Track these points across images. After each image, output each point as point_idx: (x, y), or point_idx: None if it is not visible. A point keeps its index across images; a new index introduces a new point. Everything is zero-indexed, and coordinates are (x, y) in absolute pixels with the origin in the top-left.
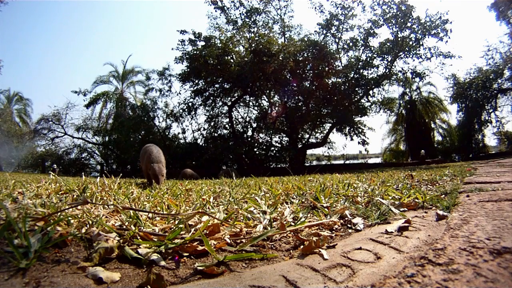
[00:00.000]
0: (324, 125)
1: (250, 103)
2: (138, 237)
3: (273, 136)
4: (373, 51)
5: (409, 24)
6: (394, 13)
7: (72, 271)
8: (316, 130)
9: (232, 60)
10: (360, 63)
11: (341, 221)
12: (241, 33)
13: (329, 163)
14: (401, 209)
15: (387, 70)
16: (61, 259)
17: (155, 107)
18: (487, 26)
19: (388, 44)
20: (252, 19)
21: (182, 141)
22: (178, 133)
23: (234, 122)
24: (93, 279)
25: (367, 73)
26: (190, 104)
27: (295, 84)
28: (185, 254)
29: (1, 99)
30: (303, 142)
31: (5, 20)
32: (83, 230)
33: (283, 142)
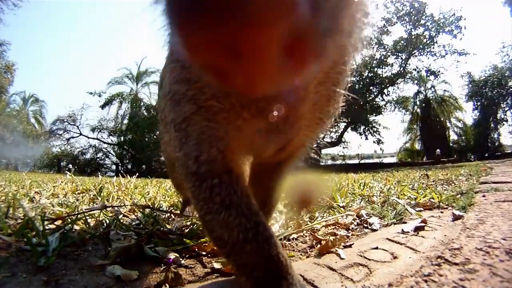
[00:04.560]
0: (338, 124)
1: None
2: (156, 236)
3: None
4: (387, 49)
5: (422, 22)
6: (407, 11)
7: (90, 269)
8: (331, 129)
9: None
10: (375, 62)
11: (357, 220)
12: None
13: (344, 162)
14: (417, 209)
15: (402, 68)
16: (79, 257)
17: None
18: (502, 23)
19: (402, 42)
20: None
21: None
22: None
23: None
24: (111, 277)
25: (382, 71)
26: None
27: None
28: (203, 253)
29: (17, 101)
30: (318, 141)
31: (19, 23)
32: (101, 229)
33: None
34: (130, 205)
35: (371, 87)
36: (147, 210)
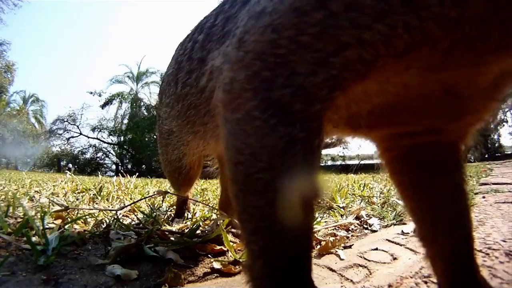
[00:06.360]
0: None
1: None
2: (156, 236)
3: None
4: None
5: None
6: None
7: (90, 268)
8: None
9: None
10: None
11: (357, 221)
12: None
13: (344, 163)
14: None
15: None
16: (79, 257)
17: None
18: None
19: None
20: None
21: None
22: None
23: None
24: (111, 276)
25: None
26: None
27: None
28: (203, 253)
29: (17, 100)
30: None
31: (19, 23)
32: (101, 229)
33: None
34: (156, 193)
35: None
36: (147, 209)
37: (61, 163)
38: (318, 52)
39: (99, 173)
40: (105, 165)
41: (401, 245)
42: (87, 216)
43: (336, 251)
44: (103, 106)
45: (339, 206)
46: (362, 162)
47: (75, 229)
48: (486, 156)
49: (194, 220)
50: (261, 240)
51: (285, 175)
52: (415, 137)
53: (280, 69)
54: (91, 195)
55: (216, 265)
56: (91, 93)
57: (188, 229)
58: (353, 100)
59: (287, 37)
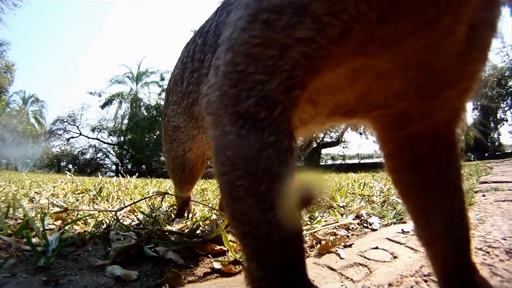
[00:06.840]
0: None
1: None
2: (156, 236)
3: None
4: None
5: None
6: None
7: (90, 269)
8: (331, 129)
9: None
10: None
11: (357, 220)
12: None
13: (344, 162)
14: None
15: None
16: (79, 257)
17: None
18: (502, 23)
19: None
20: None
21: None
22: None
23: None
24: (111, 277)
25: None
26: None
27: None
28: (203, 253)
29: (17, 100)
30: (318, 141)
31: (19, 23)
32: (101, 230)
33: (297, 141)
34: (155, 193)
35: None
36: (147, 210)
37: (61, 163)
38: (268, 59)
39: (99, 173)
40: (105, 166)
41: (401, 243)
42: (87, 217)
43: (336, 250)
44: (103, 107)
45: (339, 205)
46: (362, 161)
47: (75, 230)
48: (486, 154)
49: (194, 220)
50: (252, 244)
51: (262, 179)
52: (410, 124)
53: (242, 83)
54: (91, 196)
55: (216, 265)
56: (91, 93)
57: (188, 229)
58: (316, 93)
59: (242, 53)
